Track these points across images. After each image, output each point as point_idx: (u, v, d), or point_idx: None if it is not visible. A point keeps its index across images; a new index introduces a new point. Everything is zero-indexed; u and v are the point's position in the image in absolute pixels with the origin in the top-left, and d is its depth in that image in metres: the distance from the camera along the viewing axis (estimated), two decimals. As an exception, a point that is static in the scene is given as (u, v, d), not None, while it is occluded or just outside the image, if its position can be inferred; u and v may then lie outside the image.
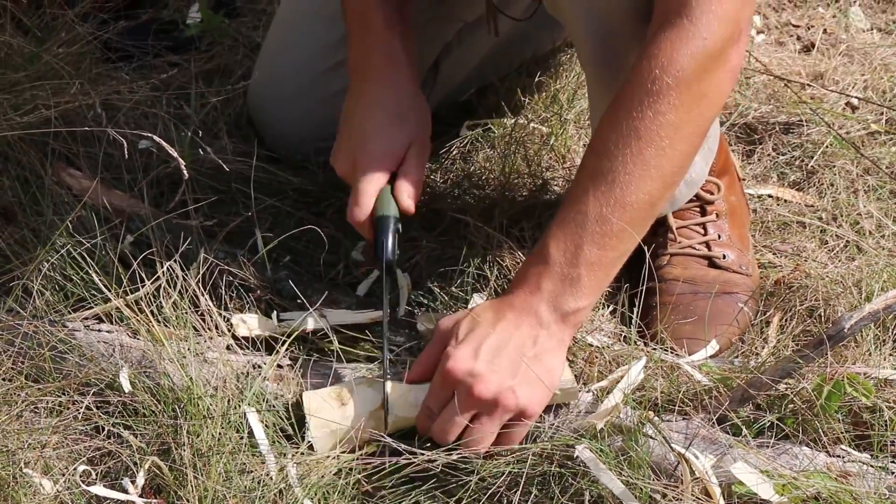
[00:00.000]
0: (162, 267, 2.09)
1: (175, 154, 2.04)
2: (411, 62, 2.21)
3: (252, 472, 1.90)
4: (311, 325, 2.14)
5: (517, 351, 1.90)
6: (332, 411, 1.97)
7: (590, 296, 1.92)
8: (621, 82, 1.92)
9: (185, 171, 2.03)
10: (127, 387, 2.00)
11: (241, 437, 1.94)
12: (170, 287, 2.09)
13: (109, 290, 2.09)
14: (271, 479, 1.89)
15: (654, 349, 2.13)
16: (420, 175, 2.16)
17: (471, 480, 1.89)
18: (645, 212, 1.92)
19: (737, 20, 1.89)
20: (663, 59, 1.86)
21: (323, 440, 1.95)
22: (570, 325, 1.93)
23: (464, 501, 1.90)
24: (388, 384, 1.98)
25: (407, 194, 2.13)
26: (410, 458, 1.90)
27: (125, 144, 2.06)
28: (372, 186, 2.11)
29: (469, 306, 2.16)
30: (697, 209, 2.39)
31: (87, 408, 2.01)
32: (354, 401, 1.98)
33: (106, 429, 1.99)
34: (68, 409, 2.01)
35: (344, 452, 1.95)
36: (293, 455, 1.93)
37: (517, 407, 1.89)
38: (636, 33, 1.95)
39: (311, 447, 1.94)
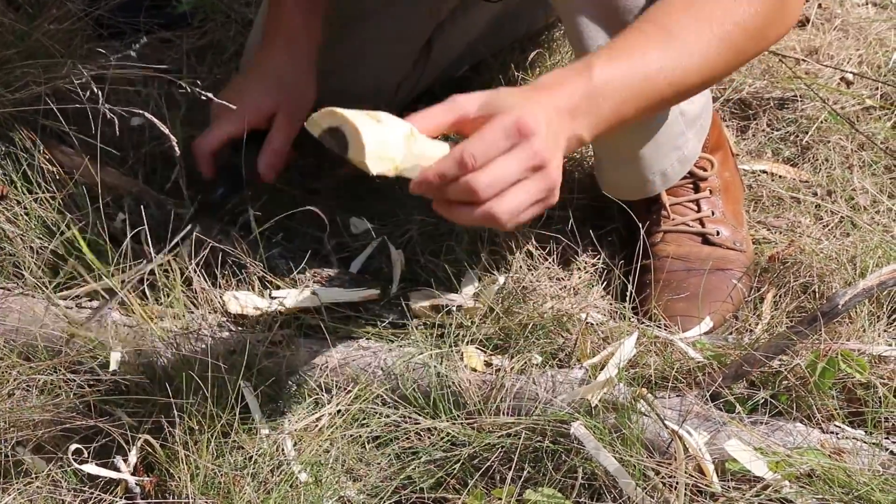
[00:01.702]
0: (155, 244, 2.09)
1: (167, 130, 2.03)
2: (310, 40, 2.37)
3: (244, 447, 1.90)
4: (303, 302, 2.14)
5: (559, 130, 1.75)
6: (374, 126, 1.68)
7: (594, 131, 1.81)
8: None
9: (176, 148, 2.03)
10: (113, 366, 1.99)
11: (234, 415, 1.94)
12: (163, 268, 2.09)
13: (101, 269, 2.09)
14: (265, 452, 1.89)
15: (648, 326, 2.13)
16: (282, 146, 2.33)
17: (462, 453, 1.89)
18: (675, 97, 1.89)
19: None
20: None
21: (376, 157, 1.66)
22: (569, 145, 1.79)
23: (455, 475, 1.90)
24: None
25: (264, 163, 2.31)
26: (400, 428, 1.90)
27: (117, 121, 2.05)
28: (221, 130, 2.31)
29: (462, 286, 2.16)
30: (691, 186, 2.39)
31: (80, 386, 2.00)
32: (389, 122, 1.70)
33: (98, 407, 1.99)
34: (60, 387, 2.01)
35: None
36: (287, 427, 1.93)
37: (554, 183, 1.73)
38: None
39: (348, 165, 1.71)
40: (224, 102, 2.28)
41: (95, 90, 2.06)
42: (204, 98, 2.11)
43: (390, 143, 1.65)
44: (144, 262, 2.12)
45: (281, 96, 2.33)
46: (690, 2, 1.85)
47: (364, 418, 1.97)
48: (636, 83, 1.79)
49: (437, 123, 1.72)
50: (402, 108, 2.61)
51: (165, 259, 2.10)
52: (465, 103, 1.72)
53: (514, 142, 1.66)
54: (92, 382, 2.01)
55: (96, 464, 1.92)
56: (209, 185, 2.29)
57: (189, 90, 2.09)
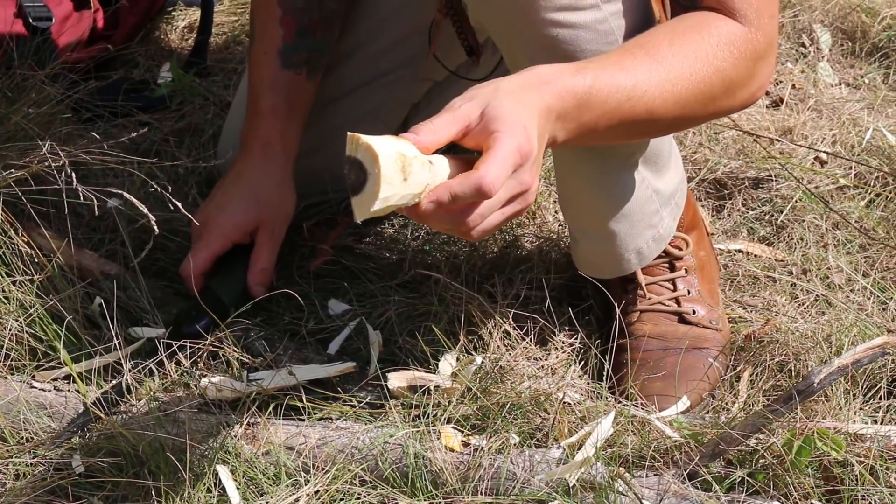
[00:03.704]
0: (129, 327, 2.10)
1: (145, 210, 2.04)
2: (286, 151, 2.41)
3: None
4: (281, 382, 2.14)
5: (543, 132, 1.74)
6: (397, 185, 1.59)
7: (569, 136, 1.80)
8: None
9: (154, 227, 2.04)
10: (76, 463, 1.99)
11: (212, 497, 1.93)
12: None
13: (68, 361, 2.10)
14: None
15: (625, 405, 2.13)
16: (269, 263, 2.38)
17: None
18: (645, 126, 1.91)
19: (774, 40, 1.96)
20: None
21: (377, 211, 1.58)
22: (546, 145, 1.78)
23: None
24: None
25: (254, 282, 2.36)
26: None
27: (95, 203, 2.06)
28: (207, 250, 2.34)
29: (440, 366, 2.16)
30: (666, 265, 2.39)
31: (56, 468, 2.00)
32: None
33: (75, 492, 1.98)
34: (37, 469, 2.00)
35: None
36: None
37: (528, 206, 1.74)
38: None
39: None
40: (206, 221, 2.34)
41: (69, 171, 2.07)
42: (174, 205, 2.09)
43: (397, 198, 1.58)
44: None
45: (260, 211, 2.37)
46: (674, 36, 1.88)
47: (342, 499, 1.96)
48: (621, 100, 1.80)
49: (443, 139, 1.65)
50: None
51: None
52: (469, 112, 1.68)
53: (517, 166, 1.65)
54: (68, 466, 2.00)
55: (73, 547, 1.91)
56: (187, 313, 2.27)
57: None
